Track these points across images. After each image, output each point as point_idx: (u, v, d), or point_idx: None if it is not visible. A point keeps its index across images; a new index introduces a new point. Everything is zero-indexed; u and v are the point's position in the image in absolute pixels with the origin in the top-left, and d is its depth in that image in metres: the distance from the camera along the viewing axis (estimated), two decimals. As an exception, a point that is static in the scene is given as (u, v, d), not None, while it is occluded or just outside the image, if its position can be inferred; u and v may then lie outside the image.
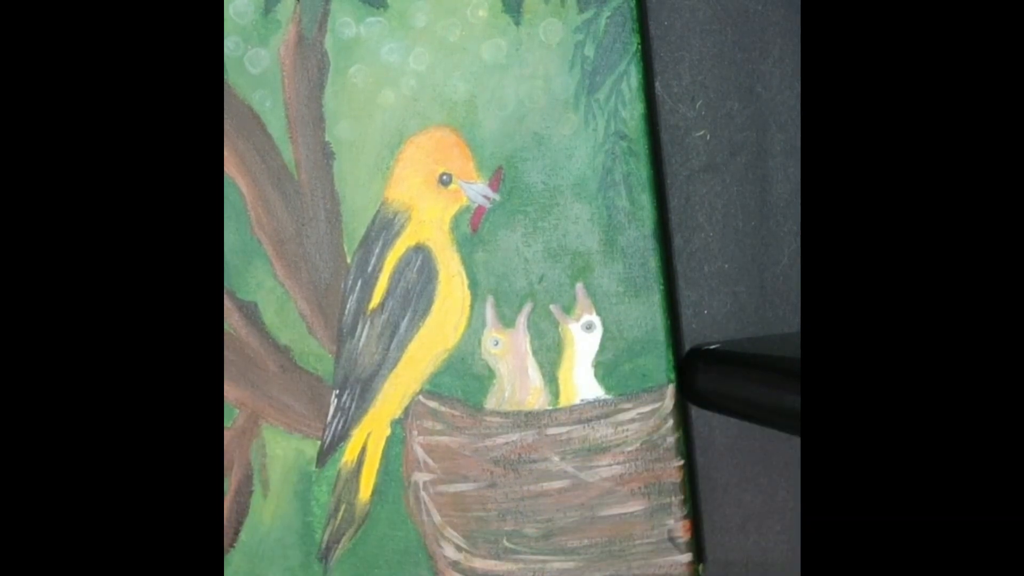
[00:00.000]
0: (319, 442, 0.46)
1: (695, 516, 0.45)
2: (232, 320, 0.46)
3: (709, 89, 0.43)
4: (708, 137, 0.44)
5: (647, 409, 0.44)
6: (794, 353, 0.43)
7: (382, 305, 0.45)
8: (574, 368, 0.44)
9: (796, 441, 0.43)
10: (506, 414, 0.45)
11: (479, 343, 0.45)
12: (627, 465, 0.44)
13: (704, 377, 0.44)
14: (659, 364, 0.44)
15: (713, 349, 0.44)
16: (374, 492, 0.46)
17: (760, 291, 0.44)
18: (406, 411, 0.45)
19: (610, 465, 0.45)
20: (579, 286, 0.44)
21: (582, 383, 0.45)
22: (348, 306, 0.45)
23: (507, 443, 0.45)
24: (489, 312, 0.45)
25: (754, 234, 0.44)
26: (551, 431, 0.45)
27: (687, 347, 0.45)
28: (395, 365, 0.45)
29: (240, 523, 0.46)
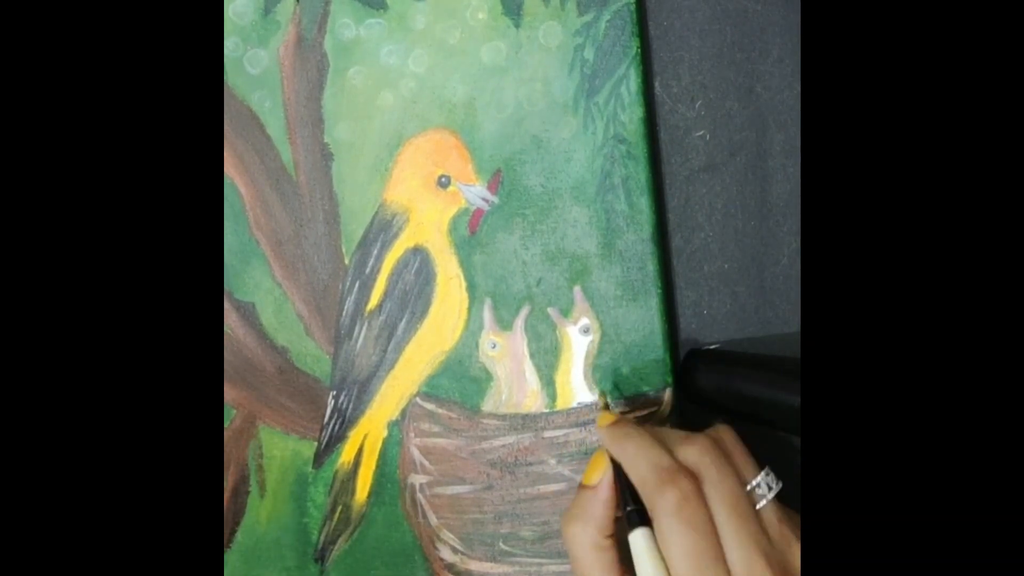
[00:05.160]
0: (316, 443, 0.46)
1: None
2: (230, 320, 0.46)
3: (709, 89, 0.43)
4: (708, 137, 0.44)
5: (644, 412, 0.44)
6: (794, 353, 0.43)
7: (380, 306, 0.45)
8: (571, 371, 0.44)
9: (796, 441, 0.43)
10: (503, 416, 0.45)
11: (476, 345, 0.45)
12: (624, 468, 0.44)
13: (704, 377, 0.43)
14: (656, 367, 0.44)
15: (713, 349, 0.44)
16: (371, 494, 0.46)
17: (760, 291, 0.44)
18: (403, 413, 0.45)
19: (607, 468, 0.44)
20: (577, 289, 0.44)
21: (579, 386, 0.44)
22: (346, 307, 0.45)
23: (504, 446, 0.45)
24: (487, 314, 0.45)
25: (754, 234, 0.44)
26: (548, 434, 0.45)
27: (687, 347, 0.45)
28: (392, 367, 0.45)
29: (237, 523, 0.46)
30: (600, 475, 0.38)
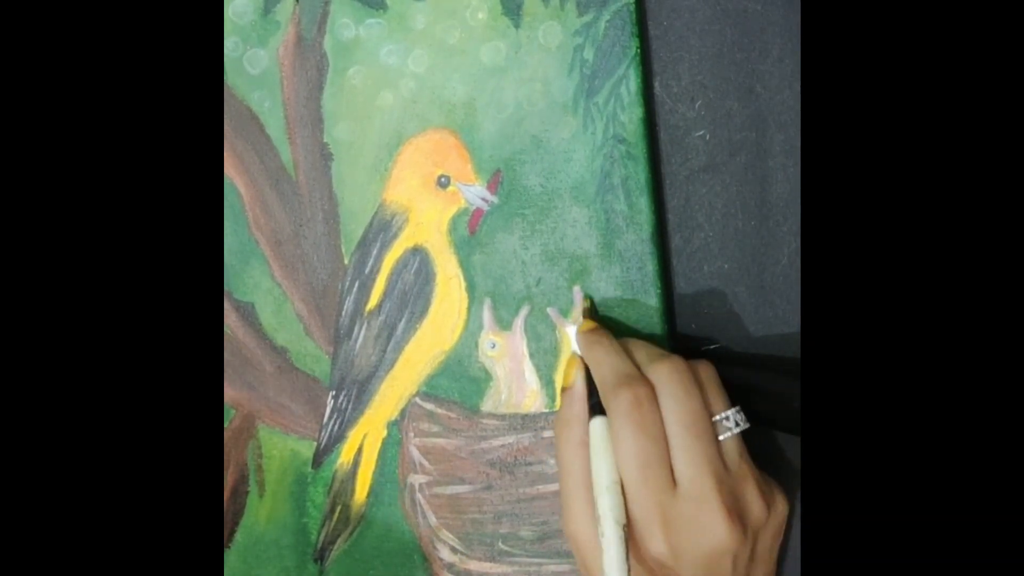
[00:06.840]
0: (315, 443, 0.46)
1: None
2: (229, 320, 0.46)
3: (708, 89, 0.43)
4: (708, 137, 0.44)
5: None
6: (794, 353, 0.44)
7: (379, 306, 0.45)
8: (571, 370, 0.44)
9: (796, 441, 0.43)
10: (502, 416, 0.45)
11: (476, 345, 0.45)
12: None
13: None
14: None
15: (713, 349, 0.44)
16: (370, 494, 0.46)
17: (760, 291, 0.44)
18: (402, 413, 0.45)
19: (606, 468, 0.44)
20: (576, 289, 0.44)
21: (579, 385, 0.44)
22: (345, 307, 0.45)
23: (503, 445, 0.45)
24: (486, 314, 0.45)
25: (754, 234, 0.44)
26: (547, 434, 0.45)
27: (686, 348, 0.45)
28: (392, 367, 0.45)
29: (236, 523, 0.46)
30: (574, 375, 0.41)
